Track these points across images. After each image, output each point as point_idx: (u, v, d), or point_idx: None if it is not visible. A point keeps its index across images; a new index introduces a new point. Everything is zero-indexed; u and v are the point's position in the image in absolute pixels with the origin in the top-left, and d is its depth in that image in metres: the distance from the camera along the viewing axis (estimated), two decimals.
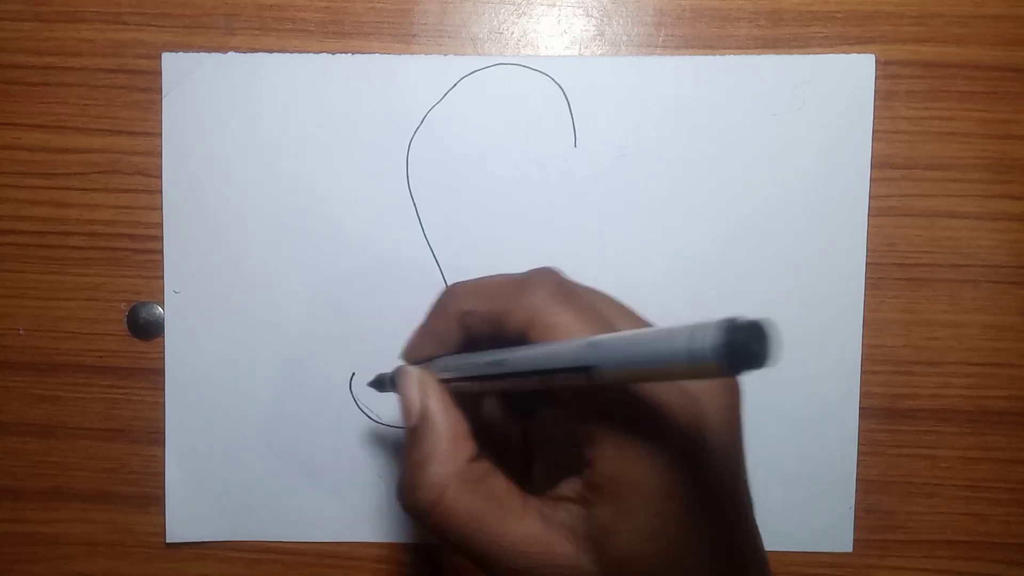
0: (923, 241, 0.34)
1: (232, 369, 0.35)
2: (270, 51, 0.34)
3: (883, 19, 0.34)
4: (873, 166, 0.34)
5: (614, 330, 0.22)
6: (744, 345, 0.16)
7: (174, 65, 0.34)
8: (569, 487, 0.24)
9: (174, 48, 0.34)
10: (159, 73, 0.34)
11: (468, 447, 0.24)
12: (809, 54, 0.34)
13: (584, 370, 0.19)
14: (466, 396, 0.26)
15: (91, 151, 0.35)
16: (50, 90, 0.35)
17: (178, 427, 0.35)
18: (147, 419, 0.35)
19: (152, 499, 0.35)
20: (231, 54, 0.34)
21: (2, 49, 0.35)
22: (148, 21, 0.35)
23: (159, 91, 0.34)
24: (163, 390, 0.35)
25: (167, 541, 0.35)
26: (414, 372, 0.26)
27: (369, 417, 0.35)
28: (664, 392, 0.22)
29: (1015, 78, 0.34)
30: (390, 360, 0.35)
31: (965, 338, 0.35)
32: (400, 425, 0.35)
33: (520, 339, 0.23)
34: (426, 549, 0.35)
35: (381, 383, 0.31)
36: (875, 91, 0.34)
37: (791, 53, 0.34)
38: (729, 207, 0.34)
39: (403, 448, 0.25)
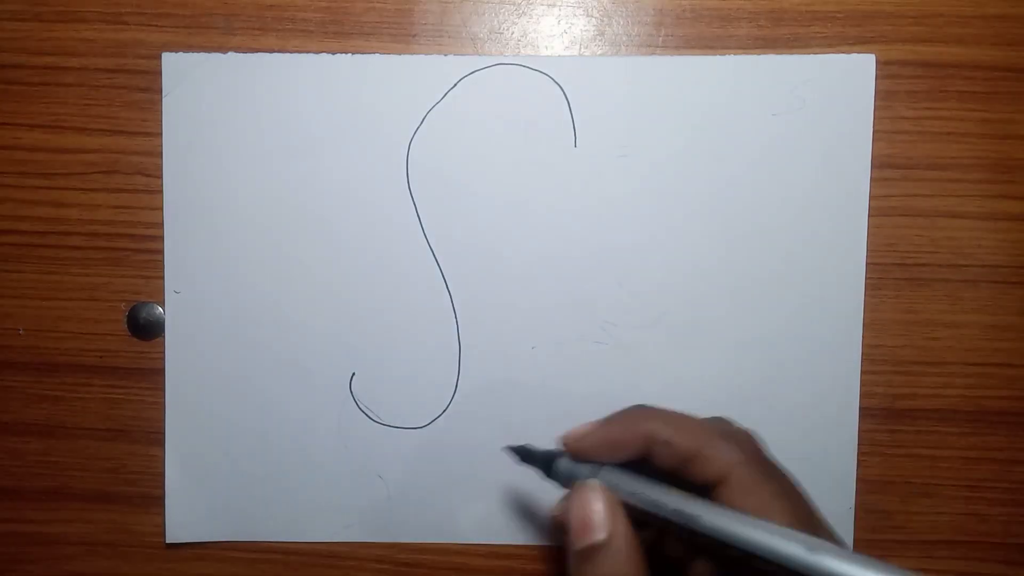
0: (923, 241, 0.34)
1: (232, 369, 0.35)
2: (270, 51, 0.34)
3: (883, 19, 0.34)
4: (873, 166, 0.34)
5: (811, 525, 0.23)
6: None
7: (174, 65, 0.34)
8: None
9: (174, 48, 0.34)
10: (159, 73, 0.34)
11: None
12: (809, 54, 0.34)
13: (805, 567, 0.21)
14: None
15: (91, 151, 0.35)
16: (50, 90, 0.35)
17: (178, 427, 0.35)
18: (147, 419, 0.35)
19: (152, 499, 0.35)
20: (231, 54, 0.34)
21: (2, 49, 0.35)
22: (148, 21, 0.35)
23: (159, 91, 0.34)
24: (163, 390, 0.35)
25: (167, 541, 0.35)
26: (602, 493, 0.25)
27: (369, 417, 0.35)
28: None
29: (1015, 78, 0.34)
30: (390, 360, 0.35)
31: (965, 338, 0.35)
32: (399, 425, 0.35)
33: (705, 488, 0.24)
34: (428, 549, 0.35)
35: (529, 456, 0.30)
36: (875, 91, 0.34)
37: (791, 53, 0.34)
38: (729, 207, 0.34)
39: (571, 559, 0.25)
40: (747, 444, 0.25)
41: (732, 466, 0.24)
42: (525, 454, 0.30)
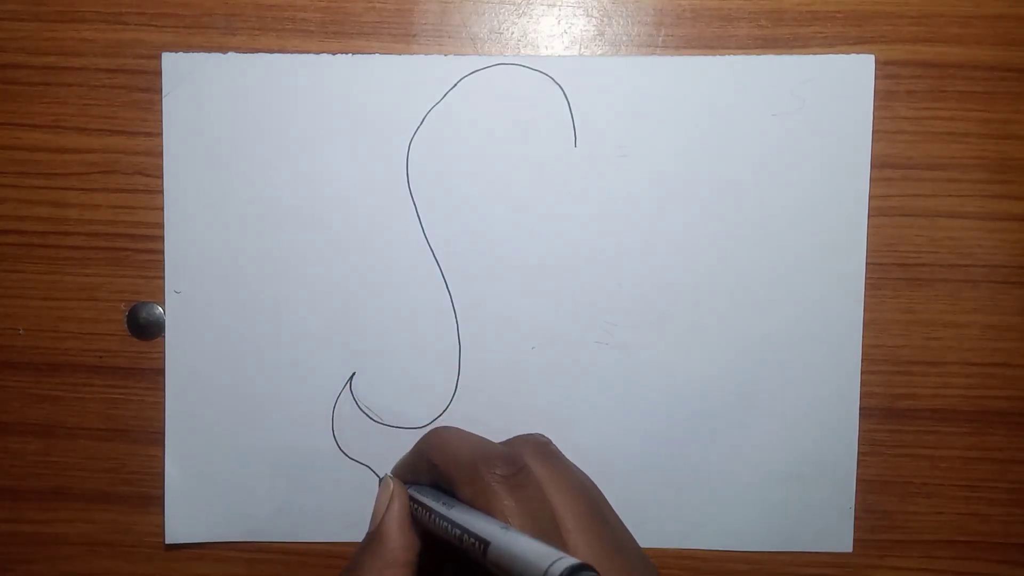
0: (923, 241, 0.34)
1: (232, 369, 0.35)
2: (270, 51, 0.34)
3: (883, 19, 0.34)
4: (873, 166, 0.34)
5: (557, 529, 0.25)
6: None
7: (174, 65, 0.34)
8: None
9: (174, 48, 0.34)
10: (159, 73, 0.34)
11: (406, 555, 0.27)
12: (809, 54, 0.34)
13: (482, 549, 0.22)
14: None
15: (91, 151, 0.35)
16: (50, 90, 0.35)
17: (178, 427, 0.35)
18: (147, 419, 0.35)
19: (152, 499, 0.35)
20: (231, 54, 0.34)
21: (2, 49, 0.35)
22: (148, 21, 0.35)
23: (159, 91, 0.34)
24: (163, 390, 0.35)
25: (167, 542, 0.35)
26: (390, 484, 0.28)
27: (369, 417, 0.35)
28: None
29: (1015, 78, 0.34)
30: (390, 360, 0.35)
31: (965, 338, 0.35)
32: (399, 425, 0.35)
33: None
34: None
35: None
36: (875, 91, 0.34)
37: (791, 53, 0.34)
38: (729, 207, 0.34)
39: (359, 547, 0.28)
40: (506, 472, 0.26)
41: (478, 495, 0.24)
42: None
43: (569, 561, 0.20)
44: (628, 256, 0.34)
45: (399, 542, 0.27)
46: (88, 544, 0.36)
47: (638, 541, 0.35)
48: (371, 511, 0.35)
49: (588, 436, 0.35)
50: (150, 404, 0.35)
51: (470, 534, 0.23)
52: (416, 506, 0.27)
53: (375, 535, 0.27)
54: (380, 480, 0.30)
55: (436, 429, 0.28)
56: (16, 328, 0.35)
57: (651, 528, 0.35)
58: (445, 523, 0.25)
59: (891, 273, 0.35)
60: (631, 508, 0.35)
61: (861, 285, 0.34)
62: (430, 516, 0.26)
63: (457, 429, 0.28)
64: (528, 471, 0.26)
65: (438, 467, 0.26)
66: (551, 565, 0.20)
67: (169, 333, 0.35)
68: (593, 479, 0.35)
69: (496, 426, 0.35)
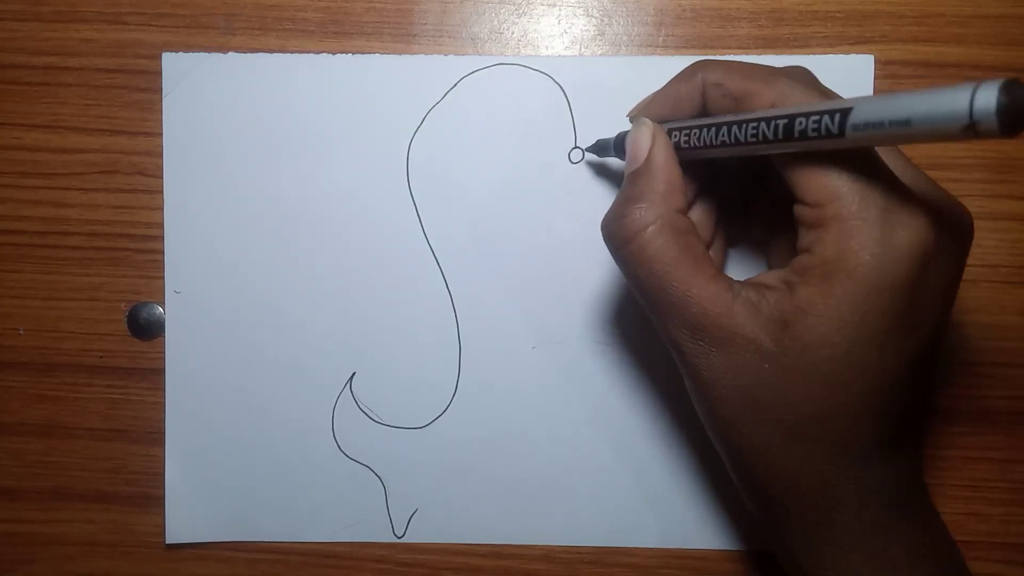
0: None
1: (232, 369, 0.35)
2: (270, 51, 0.34)
3: (883, 19, 0.34)
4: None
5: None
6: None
7: (174, 65, 0.34)
8: (771, 276, 0.25)
9: (174, 48, 0.34)
10: (159, 73, 0.34)
11: (680, 200, 0.26)
12: (809, 54, 0.34)
13: (840, 119, 0.20)
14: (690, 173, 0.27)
15: (91, 151, 0.35)
16: (50, 90, 0.35)
17: (178, 427, 0.35)
18: (147, 419, 0.35)
19: (152, 499, 0.35)
20: (231, 54, 0.34)
21: (2, 49, 0.35)
22: (148, 21, 0.35)
23: (159, 91, 0.34)
24: (163, 390, 0.35)
25: (167, 542, 0.35)
26: (648, 122, 0.27)
27: (369, 417, 0.35)
28: (916, 190, 0.23)
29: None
30: (390, 360, 0.35)
31: (965, 338, 0.35)
32: (399, 425, 0.35)
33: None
34: (428, 549, 0.35)
35: (602, 148, 0.32)
36: (875, 91, 0.34)
37: (791, 53, 0.34)
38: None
39: (621, 188, 0.27)
40: (801, 76, 0.25)
41: (785, 95, 0.23)
42: (599, 148, 0.32)
43: (994, 83, 0.17)
44: None
45: (674, 171, 0.26)
46: (88, 544, 0.36)
47: (639, 541, 0.35)
48: (370, 510, 0.35)
49: (589, 436, 0.35)
50: (150, 404, 0.35)
51: (810, 115, 0.21)
52: (690, 131, 0.25)
53: (645, 168, 0.26)
54: (617, 137, 0.29)
55: (698, 61, 0.27)
56: (16, 328, 0.35)
57: (653, 528, 0.35)
58: (750, 127, 0.23)
59: None
60: (633, 507, 0.35)
61: None
62: (717, 133, 0.24)
63: (718, 58, 0.27)
64: (819, 82, 0.25)
65: (722, 83, 0.25)
66: (977, 89, 0.17)
67: (169, 333, 0.35)
68: (593, 479, 0.35)
69: (496, 426, 0.35)
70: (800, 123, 0.21)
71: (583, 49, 0.35)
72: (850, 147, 0.21)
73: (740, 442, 0.25)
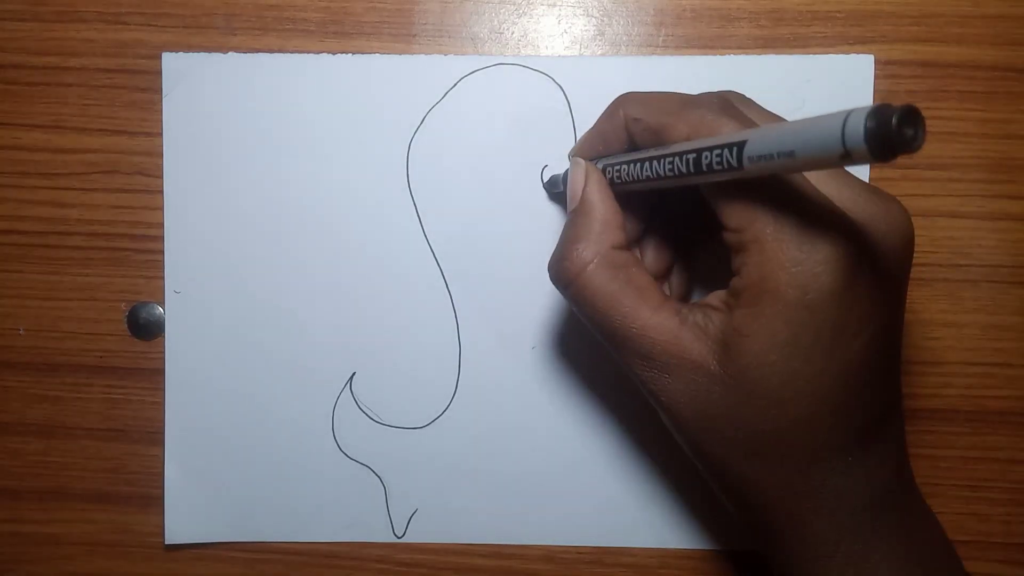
0: (923, 241, 0.34)
1: (232, 369, 0.35)
2: (270, 51, 0.34)
3: (883, 19, 0.34)
4: (872, 166, 0.34)
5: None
6: (896, 128, 0.17)
7: (174, 65, 0.34)
8: (716, 297, 0.25)
9: (174, 48, 0.34)
10: (159, 73, 0.34)
11: (616, 236, 0.26)
12: (809, 54, 0.34)
13: (736, 152, 0.20)
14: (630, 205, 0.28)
15: (91, 151, 0.35)
16: (50, 90, 0.35)
17: (178, 427, 0.35)
18: (147, 419, 0.35)
19: (152, 499, 0.35)
20: (231, 54, 0.34)
21: (2, 49, 0.35)
22: (148, 21, 0.35)
23: (159, 91, 0.34)
24: (163, 390, 0.35)
25: (167, 542, 0.35)
26: (582, 162, 0.28)
27: (369, 417, 0.35)
28: (830, 201, 0.23)
29: (1015, 78, 0.34)
30: (390, 360, 0.35)
31: (965, 338, 0.35)
32: (399, 425, 0.35)
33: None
34: (428, 549, 0.35)
35: (555, 183, 0.33)
36: (875, 91, 0.34)
37: (791, 53, 0.34)
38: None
39: (563, 229, 0.28)
40: (713, 100, 0.25)
41: (697, 123, 0.24)
42: (553, 183, 0.33)
43: (863, 110, 0.17)
44: None
45: (608, 208, 0.27)
46: (88, 544, 0.36)
47: (639, 541, 0.35)
48: (370, 510, 0.35)
49: (589, 436, 0.35)
50: (150, 404, 0.35)
51: (712, 149, 0.21)
52: (618, 167, 0.26)
53: (580, 209, 0.27)
54: (570, 160, 0.30)
55: (621, 95, 0.28)
56: (16, 328, 0.35)
57: (653, 528, 0.35)
58: (666, 162, 0.23)
59: None
60: (633, 508, 0.35)
61: None
62: (640, 168, 0.25)
63: (639, 91, 0.28)
64: (734, 101, 0.25)
65: (640, 118, 0.26)
66: (847, 118, 0.17)
67: (169, 333, 0.35)
68: (594, 479, 0.35)
69: (496, 426, 0.35)
70: (706, 157, 0.22)
71: (583, 49, 0.35)
72: (753, 176, 0.22)
73: (708, 460, 0.26)
